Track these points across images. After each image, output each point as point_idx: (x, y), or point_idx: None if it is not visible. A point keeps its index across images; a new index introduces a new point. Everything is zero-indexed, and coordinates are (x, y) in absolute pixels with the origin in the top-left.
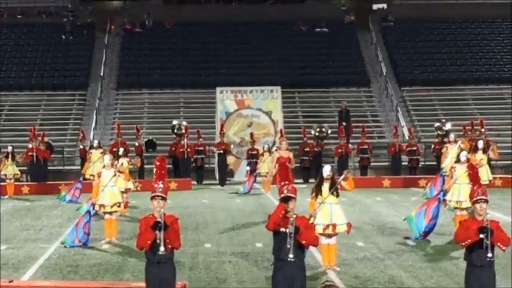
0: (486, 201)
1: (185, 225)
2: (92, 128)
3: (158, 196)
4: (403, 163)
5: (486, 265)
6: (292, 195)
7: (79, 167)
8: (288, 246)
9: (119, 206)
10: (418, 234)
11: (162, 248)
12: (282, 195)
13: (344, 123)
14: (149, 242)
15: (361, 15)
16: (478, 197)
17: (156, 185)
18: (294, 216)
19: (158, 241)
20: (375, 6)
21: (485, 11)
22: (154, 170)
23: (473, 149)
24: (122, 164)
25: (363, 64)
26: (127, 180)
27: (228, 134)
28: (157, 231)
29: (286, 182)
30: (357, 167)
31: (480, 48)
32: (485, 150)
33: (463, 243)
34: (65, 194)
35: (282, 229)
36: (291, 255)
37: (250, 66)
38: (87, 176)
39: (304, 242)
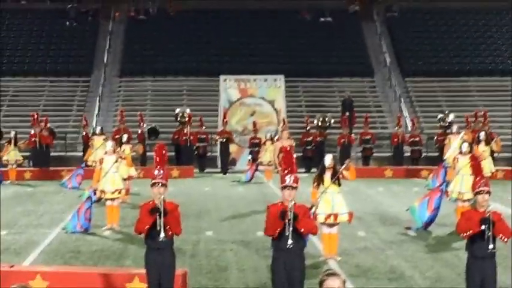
0: (488, 192)
1: (187, 213)
2: (95, 115)
3: (158, 182)
4: (405, 154)
5: (487, 256)
6: (294, 184)
7: (81, 154)
8: (287, 233)
9: (119, 193)
10: (421, 224)
11: (162, 234)
12: (284, 184)
13: (347, 113)
14: (147, 227)
15: (365, 5)
16: (480, 188)
17: (156, 172)
18: (293, 202)
19: (158, 227)
20: None
21: (489, 2)
22: (154, 157)
23: (476, 141)
24: (123, 151)
25: (367, 54)
26: (129, 167)
27: (230, 122)
28: (157, 218)
29: (289, 170)
30: (359, 157)
31: (484, 40)
32: (488, 142)
33: (465, 234)
34: (65, 181)
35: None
36: (289, 242)
37: (254, 55)
38: (89, 163)
39: (302, 229)
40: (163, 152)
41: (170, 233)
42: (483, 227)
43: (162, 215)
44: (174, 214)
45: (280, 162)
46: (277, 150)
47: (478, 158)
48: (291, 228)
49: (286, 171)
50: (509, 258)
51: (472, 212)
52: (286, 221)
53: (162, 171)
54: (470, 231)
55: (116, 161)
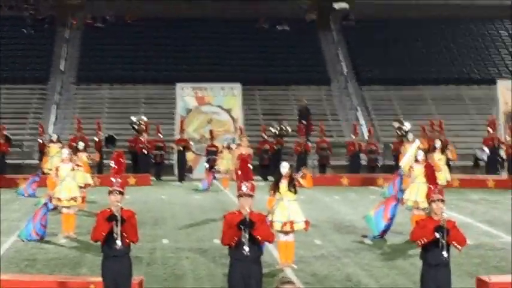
0: (443, 200)
1: (143, 221)
2: (52, 122)
3: (115, 190)
4: (362, 162)
5: (441, 264)
6: (251, 192)
7: (38, 161)
8: (243, 240)
9: (75, 201)
10: (377, 233)
11: (119, 242)
12: (240, 191)
13: (304, 122)
14: (103, 234)
15: (322, 14)
16: (435, 197)
17: (113, 180)
18: (248, 211)
19: (115, 235)
20: (336, 5)
21: (443, 11)
22: (112, 165)
23: (431, 149)
24: (81, 157)
25: (324, 63)
26: (87, 172)
27: (187, 130)
28: (114, 226)
29: (245, 178)
30: (316, 165)
31: (439, 48)
32: (443, 151)
33: (419, 242)
34: (21, 189)
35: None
36: (246, 249)
37: (211, 63)
38: (45, 170)
39: (259, 236)
40: (121, 159)
41: (127, 240)
42: (437, 234)
43: (119, 222)
44: (131, 222)
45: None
46: (236, 158)
47: (433, 166)
48: (247, 236)
49: (242, 179)
50: (465, 265)
51: (427, 220)
52: (243, 229)
53: (119, 179)
54: (425, 239)
55: (72, 169)
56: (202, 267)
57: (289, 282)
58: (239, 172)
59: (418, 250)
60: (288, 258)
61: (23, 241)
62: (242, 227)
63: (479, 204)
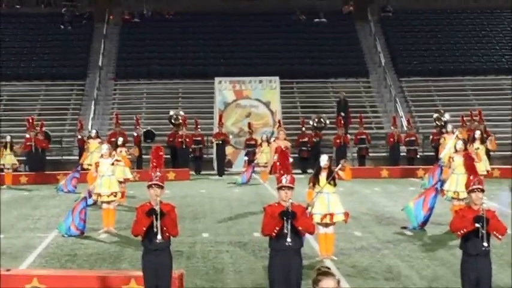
0: (482, 190)
1: (183, 215)
2: (90, 118)
3: (155, 184)
4: (401, 153)
5: (482, 254)
6: (291, 185)
7: (77, 157)
8: (286, 231)
9: (115, 196)
10: (416, 224)
11: (159, 236)
12: (280, 184)
13: (342, 114)
14: (144, 228)
15: (359, 6)
16: (474, 186)
17: (152, 174)
18: (290, 201)
19: (155, 229)
20: None
21: (484, 1)
22: (151, 159)
23: (471, 139)
24: (121, 152)
25: (362, 55)
26: (127, 166)
27: (226, 124)
28: (154, 220)
29: (285, 171)
30: (355, 157)
31: (479, 39)
32: (483, 141)
33: (459, 232)
34: (61, 185)
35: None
36: (288, 239)
37: (249, 57)
38: (84, 166)
39: (300, 228)
40: (160, 153)
41: (167, 234)
42: (477, 224)
43: (158, 216)
44: (170, 216)
45: (275, 163)
46: (274, 151)
47: (472, 156)
48: (289, 227)
49: (282, 172)
50: (505, 256)
51: (466, 210)
52: (285, 219)
53: (158, 173)
54: (465, 229)
55: (112, 164)
56: (242, 260)
57: (329, 274)
58: (278, 165)
59: (459, 241)
60: (328, 250)
61: (64, 236)
62: (284, 217)
63: None
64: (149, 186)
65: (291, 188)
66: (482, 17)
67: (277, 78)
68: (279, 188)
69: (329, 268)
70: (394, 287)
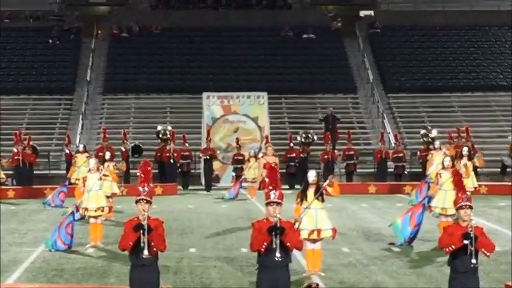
0: (470, 207)
1: (170, 230)
2: (78, 133)
3: (143, 199)
4: (389, 169)
5: (470, 271)
6: (279, 200)
7: (65, 172)
8: (274, 246)
9: (102, 211)
10: (403, 240)
11: (146, 252)
12: (269, 200)
13: (330, 129)
14: (131, 243)
15: (347, 22)
16: (463, 203)
17: (141, 189)
18: (278, 216)
19: (142, 244)
20: (362, 13)
21: (472, 18)
22: (139, 174)
23: (459, 156)
24: (108, 166)
25: (350, 71)
26: (115, 181)
27: (214, 139)
28: (141, 235)
29: (273, 186)
30: (343, 173)
31: (466, 56)
32: (470, 157)
33: (447, 249)
34: (48, 200)
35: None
36: (278, 255)
37: (237, 72)
38: (72, 180)
39: (288, 243)
40: (149, 168)
41: (154, 249)
42: (466, 241)
43: (146, 232)
44: (158, 231)
45: (263, 178)
46: (262, 166)
47: (460, 173)
48: (278, 241)
49: (270, 187)
50: (493, 273)
51: (455, 227)
52: (273, 234)
53: (146, 188)
54: (453, 246)
55: (100, 179)
56: (229, 276)
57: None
58: (267, 180)
59: (446, 257)
60: (316, 266)
61: (50, 251)
62: (273, 233)
63: (506, 211)
64: (137, 201)
65: (280, 204)
66: (470, 33)
67: (265, 93)
68: (268, 204)
69: (317, 284)
70: None
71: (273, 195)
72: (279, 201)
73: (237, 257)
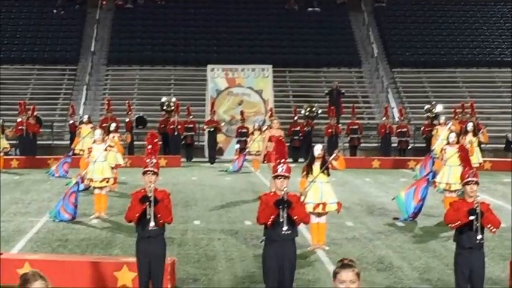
0: (477, 183)
1: (174, 202)
2: (82, 103)
3: (150, 171)
4: (392, 144)
5: (475, 247)
6: (287, 174)
7: (68, 142)
8: (281, 219)
9: (107, 182)
10: (407, 215)
11: (152, 223)
12: (276, 173)
13: (335, 103)
14: (137, 215)
15: None
16: (469, 179)
17: (148, 160)
18: (286, 189)
19: (148, 216)
20: None
21: None
22: (146, 145)
23: (463, 131)
24: (113, 137)
25: (355, 45)
26: (120, 152)
27: (218, 111)
28: (147, 206)
29: (282, 160)
30: (347, 147)
31: (472, 31)
32: (475, 133)
33: (453, 225)
34: (52, 170)
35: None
36: (284, 228)
37: (242, 45)
38: (76, 151)
39: (295, 217)
40: (156, 140)
41: (161, 221)
42: (471, 217)
43: (152, 203)
44: (164, 203)
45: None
46: (267, 140)
47: (467, 148)
48: (285, 215)
49: (278, 161)
50: (498, 248)
51: (461, 203)
52: (280, 208)
53: (154, 160)
54: (459, 222)
55: (105, 150)
56: (233, 248)
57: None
58: (275, 153)
59: (450, 232)
60: (320, 240)
61: (54, 221)
62: (280, 206)
63: (510, 187)
64: (144, 173)
65: (287, 177)
66: (475, 9)
67: (270, 66)
68: (275, 177)
69: (352, 260)
70: (385, 278)
71: (281, 169)
72: (287, 174)
73: (241, 229)
